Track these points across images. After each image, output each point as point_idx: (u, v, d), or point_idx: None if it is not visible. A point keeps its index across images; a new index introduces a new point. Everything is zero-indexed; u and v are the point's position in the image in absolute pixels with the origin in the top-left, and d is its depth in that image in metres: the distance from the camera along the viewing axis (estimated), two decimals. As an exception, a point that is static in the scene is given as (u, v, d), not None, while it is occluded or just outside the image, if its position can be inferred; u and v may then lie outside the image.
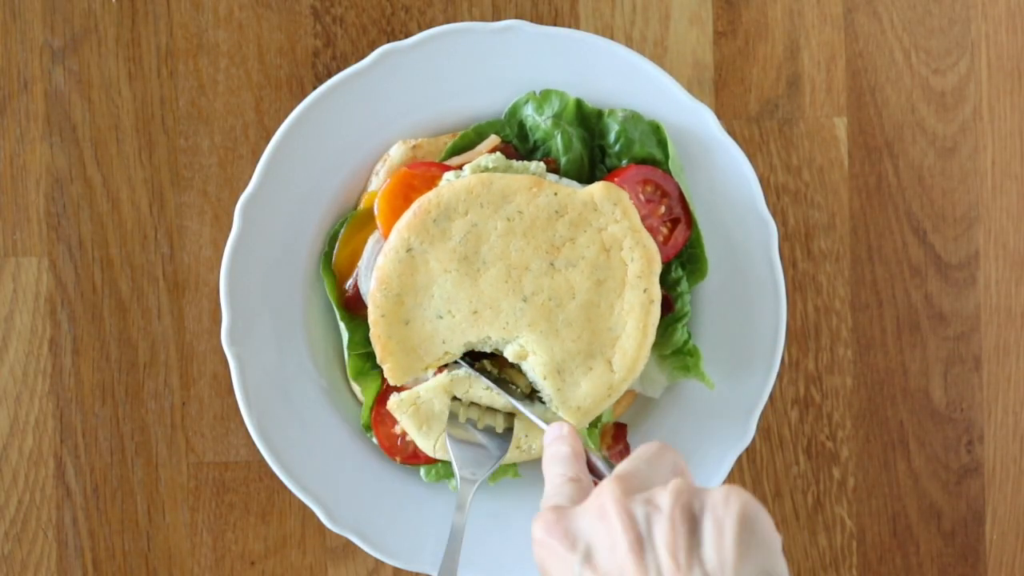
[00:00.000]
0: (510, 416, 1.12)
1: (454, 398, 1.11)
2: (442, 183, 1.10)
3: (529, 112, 1.14)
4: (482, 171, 1.10)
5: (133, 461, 1.19)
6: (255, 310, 1.14)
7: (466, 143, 1.14)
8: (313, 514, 1.19)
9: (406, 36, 1.19)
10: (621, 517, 0.83)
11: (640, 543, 0.82)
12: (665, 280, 1.13)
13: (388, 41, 1.19)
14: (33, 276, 1.19)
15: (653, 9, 1.20)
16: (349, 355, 1.14)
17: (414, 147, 1.14)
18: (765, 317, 1.15)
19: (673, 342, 1.13)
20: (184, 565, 1.19)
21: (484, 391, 1.11)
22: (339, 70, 1.18)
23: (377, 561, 1.20)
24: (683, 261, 1.14)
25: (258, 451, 1.18)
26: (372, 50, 1.17)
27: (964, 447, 1.21)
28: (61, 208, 1.19)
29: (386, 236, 1.11)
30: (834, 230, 1.20)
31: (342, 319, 1.14)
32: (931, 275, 1.21)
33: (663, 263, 1.12)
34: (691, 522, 0.82)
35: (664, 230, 1.13)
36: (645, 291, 1.09)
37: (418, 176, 1.11)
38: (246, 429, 1.18)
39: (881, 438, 1.21)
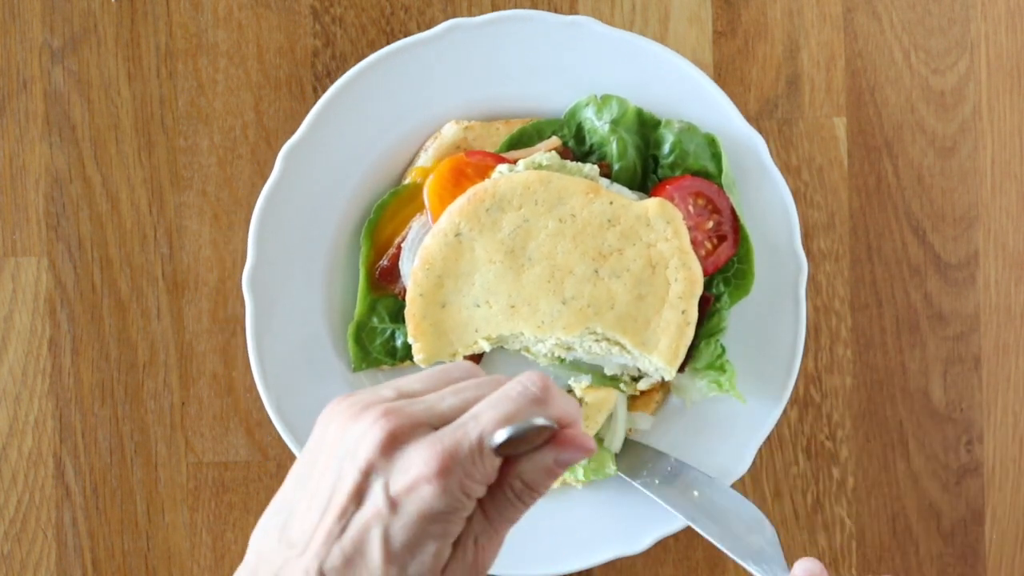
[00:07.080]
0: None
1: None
2: (495, 174, 1.10)
3: (589, 115, 1.13)
4: (536, 168, 1.10)
5: (132, 461, 1.19)
6: (279, 259, 1.13)
7: (523, 138, 1.14)
8: (312, 514, 1.19)
9: (405, 36, 1.19)
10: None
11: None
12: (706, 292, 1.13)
13: (387, 41, 1.19)
14: (32, 276, 1.19)
15: (652, 9, 1.20)
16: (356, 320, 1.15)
17: (466, 128, 1.14)
18: (781, 351, 1.14)
19: (707, 355, 1.13)
20: (184, 565, 1.19)
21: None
22: (338, 70, 1.18)
23: (376, 561, 1.20)
24: (728, 276, 1.13)
25: (258, 451, 1.18)
26: (372, 50, 1.17)
27: (964, 447, 1.21)
28: (60, 208, 1.19)
29: (434, 219, 1.11)
30: (834, 230, 1.20)
31: (363, 291, 1.14)
32: (931, 275, 1.21)
33: (703, 277, 1.12)
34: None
35: (708, 245, 1.12)
36: (684, 312, 1.09)
37: (472, 164, 1.11)
38: (245, 428, 1.18)
39: (881, 438, 1.21)
